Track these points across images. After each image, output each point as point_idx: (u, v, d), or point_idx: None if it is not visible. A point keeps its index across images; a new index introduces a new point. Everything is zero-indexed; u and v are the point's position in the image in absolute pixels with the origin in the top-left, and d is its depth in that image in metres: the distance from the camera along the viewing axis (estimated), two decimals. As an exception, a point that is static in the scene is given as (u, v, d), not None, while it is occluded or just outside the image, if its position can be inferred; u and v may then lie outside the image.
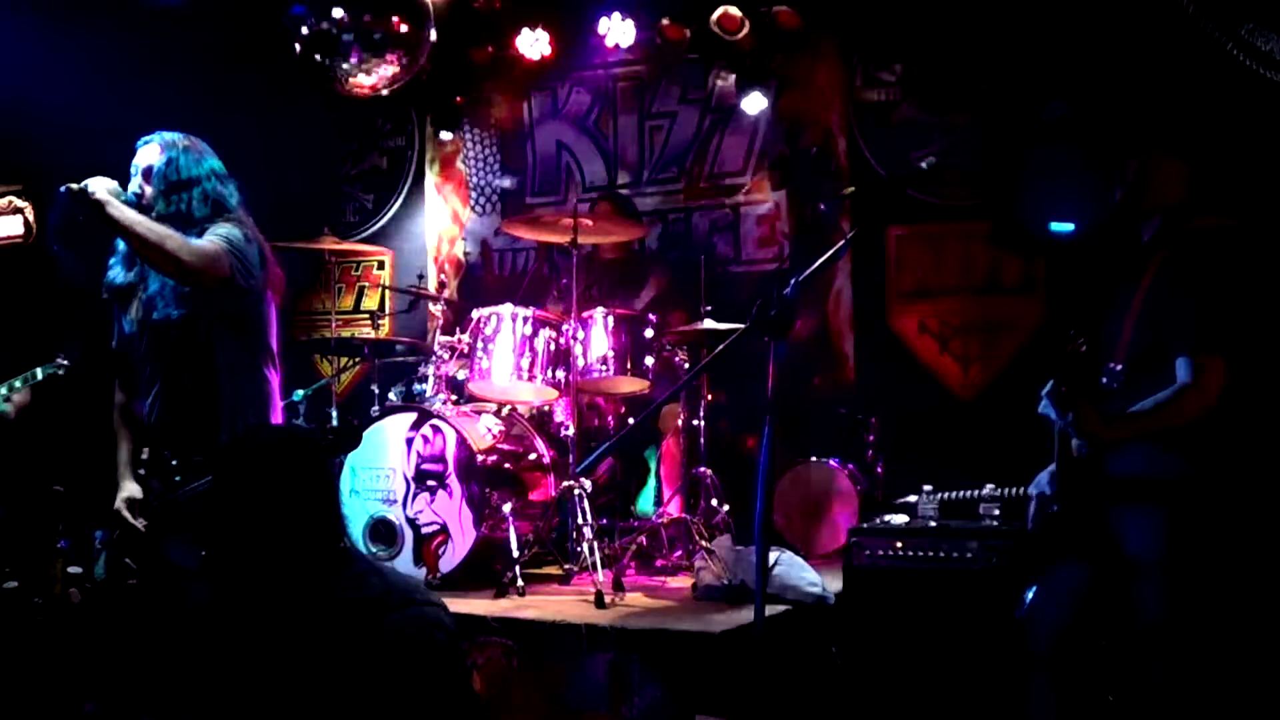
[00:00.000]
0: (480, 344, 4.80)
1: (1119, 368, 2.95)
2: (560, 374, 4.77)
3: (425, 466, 4.70)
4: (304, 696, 2.30)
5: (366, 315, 7.05)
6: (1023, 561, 3.23)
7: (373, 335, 5.85)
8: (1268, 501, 4.00)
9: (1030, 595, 3.12)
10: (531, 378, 4.73)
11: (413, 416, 4.79)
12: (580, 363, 4.74)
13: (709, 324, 4.94)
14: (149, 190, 3.49)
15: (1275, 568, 3.64)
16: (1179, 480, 2.88)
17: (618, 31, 6.31)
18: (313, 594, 2.36)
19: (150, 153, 3.53)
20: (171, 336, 3.44)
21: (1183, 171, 3.05)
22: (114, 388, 3.56)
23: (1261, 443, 3.01)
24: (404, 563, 4.64)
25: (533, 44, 6.51)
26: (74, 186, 3.38)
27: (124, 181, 3.50)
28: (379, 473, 4.77)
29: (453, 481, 4.66)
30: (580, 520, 4.50)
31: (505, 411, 5.01)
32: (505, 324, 4.78)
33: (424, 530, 4.67)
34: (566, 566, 4.67)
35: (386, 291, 7.17)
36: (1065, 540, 3.02)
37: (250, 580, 2.44)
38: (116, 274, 3.55)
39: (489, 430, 4.86)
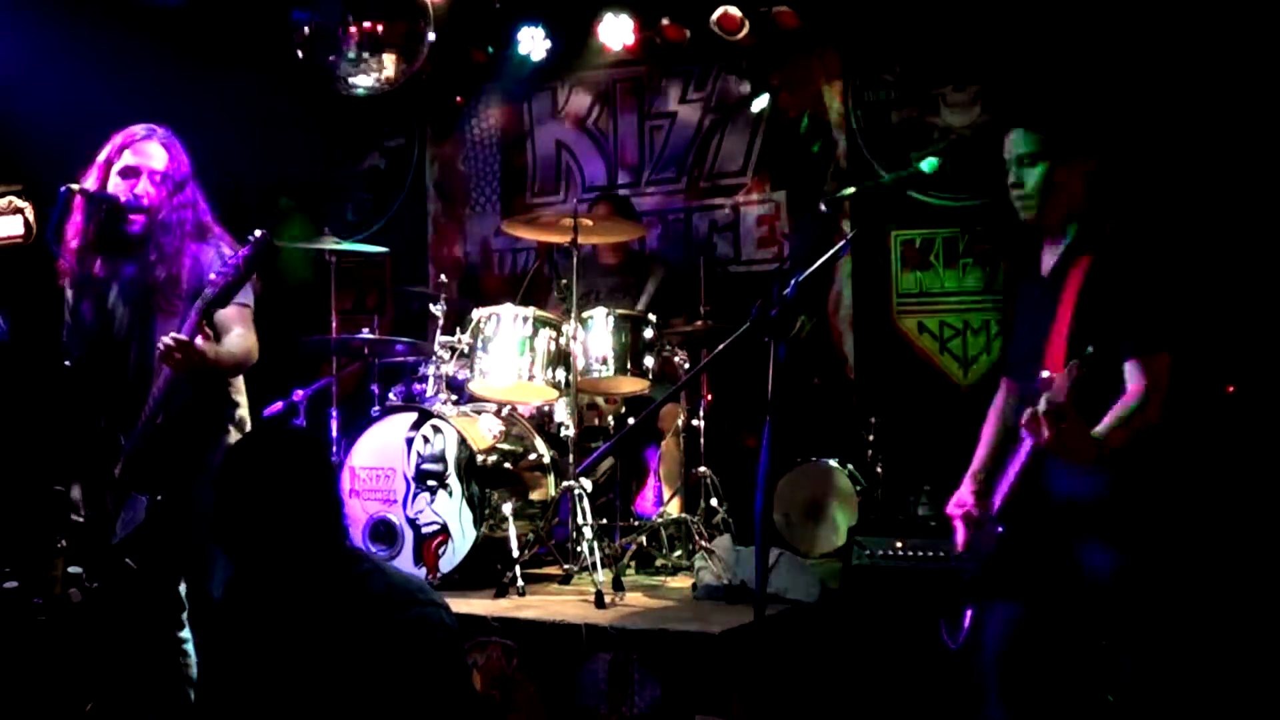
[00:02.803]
0: (480, 344, 4.80)
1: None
2: (560, 374, 4.77)
3: (425, 466, 4.70)
4: (307, 694, 2.30)
5: (366, 315, 7.05)
6: (961, 588, 3.04)
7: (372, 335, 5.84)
8: (1211, 495, 4.02)
9: (967, 624, 3.00)
10: (531, 378, 4.73)
11: (413, 416, 4.79)
12: (580, 363, 4.74)
13: (709, 324, 4.95)
14: (158, 191, 3.48)
15: (1231, 563, 3.65)
16: (1122, 497, 2.81)
17: (617, 31, 6.31)
18: (315, 593, 2.37)
19: (153, 152, 3.51)
20: (153, 324, 3.46)
21: (1084, 174, 2.94)
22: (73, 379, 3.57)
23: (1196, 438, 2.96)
24: (404, 563, 4.63)
25: (533, 44, 6.51)
26: (74, 187, 3.38)
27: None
28: (379, 473, 4.77)
29: (453, 481, 4.66)
30: (580, 520, 4.50)
31: (505, 411, 5.00)
32: (505, 324, 4.78)
33: (424, 530, 4.67)
34: (566, 566, 4.67)
35: (387, 292, 7.17)
36: (1013, 566, 2.90)
37: (254, 579, 2.45)
38: (89, 265, 3.54)
39: (489, 430, 4.85)
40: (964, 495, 3.07)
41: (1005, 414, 3.20)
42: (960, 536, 3.06)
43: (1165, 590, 2.83)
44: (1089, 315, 2.81)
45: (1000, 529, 2.90)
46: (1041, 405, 2.59)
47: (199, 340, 3.27)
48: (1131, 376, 2.78)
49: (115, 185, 3.50)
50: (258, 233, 3.25)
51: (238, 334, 3.46)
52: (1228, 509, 4.31)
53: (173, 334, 3.25)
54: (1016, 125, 2.96)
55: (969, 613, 2.99)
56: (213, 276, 3.27)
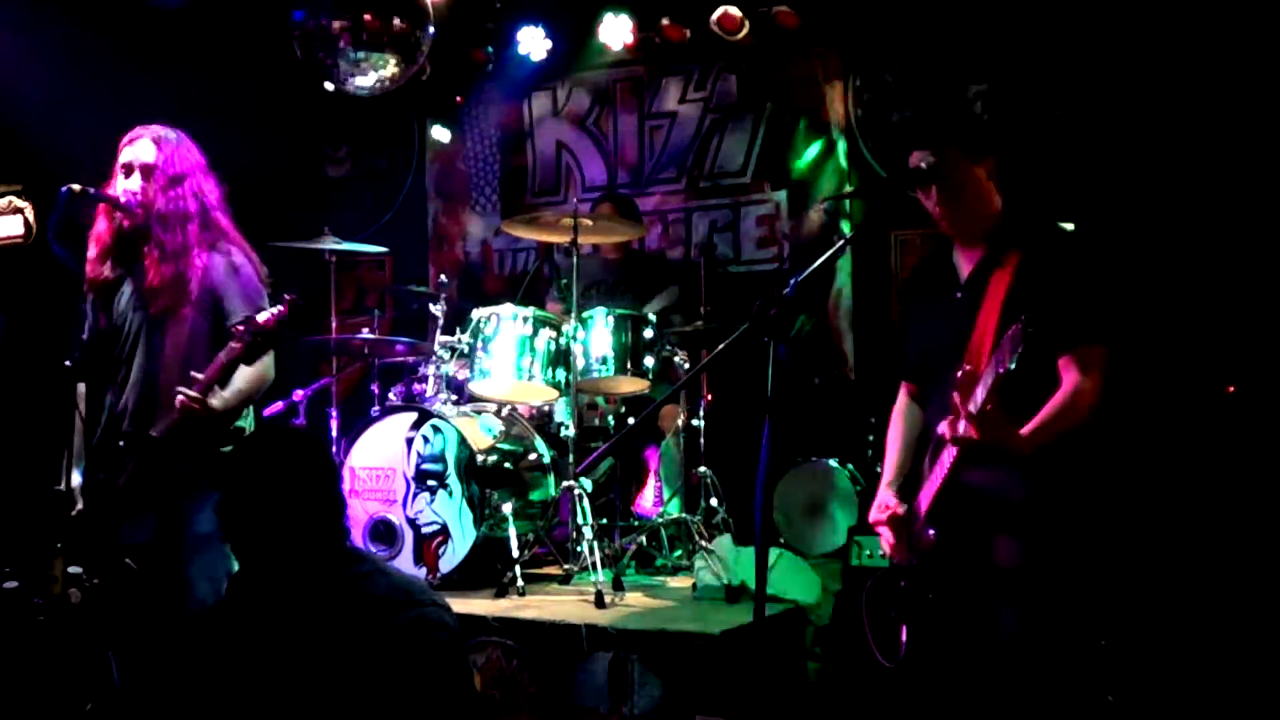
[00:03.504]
0: (480, 344, 4.80)
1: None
2: (560, 374, 4.77)
3: (425, 466, 4.70)
4: (307, 694, 2.30)
5: (366, 315, 7.05)
6: (894, 600, 2.97)
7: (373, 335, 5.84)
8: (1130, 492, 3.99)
9: (904, 638, 2.93)
10: (531, 378, 4.73)
11: (413, 416, 4.79)
12: (580, 363, 4.74)
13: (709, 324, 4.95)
14: (149, 188, 3.49)
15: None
16: (1036, 491, 2.77)
17: (617, 31, 6.31)
18: (316, 593, 2.37)
19: (144, 148, 3.51)
20: (168, 323, 3.47)
21: (984, 175, 2.91)
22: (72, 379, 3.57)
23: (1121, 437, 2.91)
24: (404, 563, 4.63)
25: (533, 44, 6.51)
26: (74, 187, 3.38)
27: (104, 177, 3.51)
28: (379, 473, 4.77)
29: (453, 481, 4.66)
30: (580, 520, 4.50)
31: (505, 411, 5.01)
32: (505, 324, 4.78)
33: (424, 530, 4.67)
34: (566, 566, 4.67)
35: (387, 291, 7.17)
36: (945, 568, 2.84)
37: (255, 578, 2.45)
38: (104, 269, 3.55)
39: (489, 430, 4.85)
40: (886, 498, 3.01)
41: (910, 417, 3.16)
42: (887, 543, 2.99)
43: (1069, 584, 2.78)
44: (1016, 314, 2.67)
45: (932, 531, 2.84)
46: (972, 407, 2.57)
47: (211, 399, 3.32)
48: (1065, 372, 2.74)
49: (117, 185, 3.52)
50: (288, 296, 3.30)
51: (261, 362, 3.49)
52: (1225, 508, 4.33)
53: (189, 391, 3.28)
54: (919, 145, 2.94)
55: (904, 627, 2.93)
56: (240, 327, 3.30)
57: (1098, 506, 2.88)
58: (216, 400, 3.35)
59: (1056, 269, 2.78)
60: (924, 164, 2.90)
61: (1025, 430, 2.69)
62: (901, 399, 3.21)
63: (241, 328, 3.31)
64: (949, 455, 2.73)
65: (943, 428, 2.72)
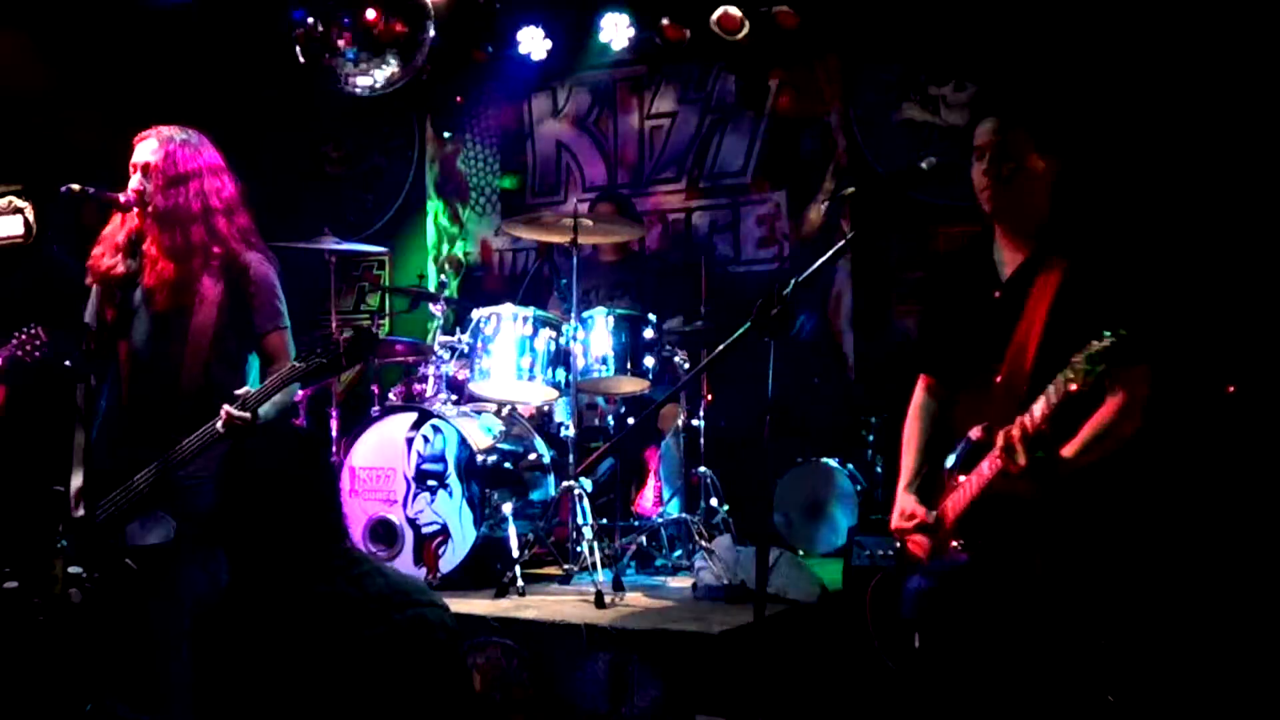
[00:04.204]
0: (480, 344, 4.80)
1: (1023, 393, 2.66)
2: (560, 374, 4.77)
3: (425, 466, 4.70)
4: (306, 695, 2.30)
5: (366, 315, 7.06)
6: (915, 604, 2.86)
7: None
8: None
9: (916, 643, 2.85)
10: (531, 378, 4.73)
11: (413, 416, 4.79)
12: (580, 363, 4.74)
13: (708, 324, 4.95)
14: (149, 186, 3.50)
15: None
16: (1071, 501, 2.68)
17: (617, 31, 6.31)
18: (314, 593, 2.37)
19: (148, 148, 3.53)
20: (173, 323, 3.48)
21: (1053, 173, 2.81)
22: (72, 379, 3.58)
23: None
24: (404, 563, 4.63)
25: (533, 44, 6.52)
26: (74, 187, 3.39)
27: (123, 179, 3.52)
28: (379, 473, 4.77)
29: (453, 481, 4.66)
30: (580, 520, 4.50)
31: (505, 411, 5.01)
32: (505, 324, 4.77)
33: (424, 530, 4.67)
34: (566, 566, 4.67)
35: (386, 292, 7.18)
36: (974, 583, 2.73)
37: (254, 578, 2.45)
38: (114, 263, 3.56)
39: (489, 430, 4.86)
40: (910, 506, 2.89)
41: (929, 414, 3.05)
42: (922, 549, 2.86)
43: (1100, 601, 2.70)
44: (1064, 325, 2.64)
45: (957, 543, 2.74)
46: (1028, 421, 2.48)
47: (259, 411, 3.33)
48: (1108, 391, 2.62)
49: (130, 184, 3.54)
50: (364, 323, 3.30)
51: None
52: (1225, 508, 4.33)
53: (239, 412, 3.29)
54: (993, 115, 2.82)
55: (916, 634, 2.86)
56: (315, 349, 3.30)
57: (1130, 523, 2.81)
58: (262, 412, 3.36)
59: (1109, 282, 2.67)
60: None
61: (1068, 451, 2.60)
62: (920, 394, 3.10)
63: (306, 349, 3.33)
64: (991, 466, 2.63)
65: (976, 432, 2.63)
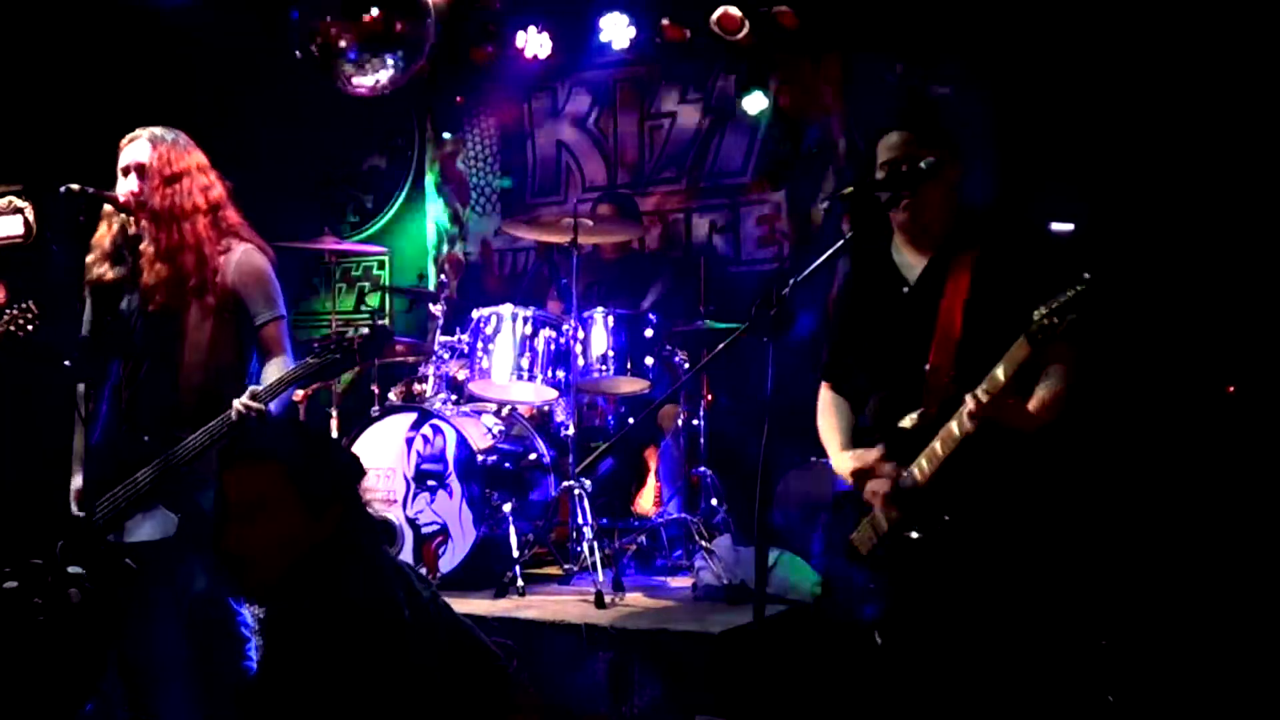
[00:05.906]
0: (480, 344, 4.80)
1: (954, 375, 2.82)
2: (560, 374, 4.77)
3: (425, 466, 4.70)
4: (305, 695, 2.30)
5: (366, 315, 7.05)
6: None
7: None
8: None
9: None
10: (531, 378, 4.73)
11: (413, 416, 4.79)
12: (580, 363, 4.74)
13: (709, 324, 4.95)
14: (145, 187, 3.50)
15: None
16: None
17: (617, 31, 6.31)
18: (316, 593, 2.37)
19: (139, 149, 3.53)
20: (171, 321, 3.48)
21: (956, 179, 2.96)
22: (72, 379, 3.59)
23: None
24: (404, 563, 4.63)
25: (533, 44, 6.51)
26: (74, 187, 3.39)
27: (110, 180, 3.52)
28: (379, 473, 4.77)
29: (453, 481, 4.66)
30: (580, 520, 4.51)
31: (505, 411, 5.01)
32: (505, 324, 4.77)
33: (424, 530, 4.67)
34: (566, 566, 4.67)
35: (386, 292, 7.18)
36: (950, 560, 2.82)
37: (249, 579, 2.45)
38: (104, 270, 3.56)
39: (489, 430, 4.86)
40: (876, 463, 2.92)
41: (842, 406, 3.25)
42: (879, 500, 2.90)
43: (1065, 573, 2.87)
44: (986, 307, 2.80)
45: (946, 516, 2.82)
46: (981, 396, 2.62)
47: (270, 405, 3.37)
48: (1053, 354, 2.73)
49: (119, 187, 3.54)
50: (379, 322, 3.33)
51: (281, 360, 3.52)
52: (1225, 508, 4.33)
53: (253, 404, 3.32)
54: (901, 128, 3.00)
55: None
56: (329, 344, 3.36)
57: (1099, 501, 2.91)
58: (272, 406, 3.39)
59: (1024, 256, 2.85)
60: (923, 165, 2.91)
61: (1030, 408, 2.74)
62: (826, 395, 3.29)
63: (321, 343, 3.37)
64: (960, 426, 2.71)
65: (909, 420, 2.77)
